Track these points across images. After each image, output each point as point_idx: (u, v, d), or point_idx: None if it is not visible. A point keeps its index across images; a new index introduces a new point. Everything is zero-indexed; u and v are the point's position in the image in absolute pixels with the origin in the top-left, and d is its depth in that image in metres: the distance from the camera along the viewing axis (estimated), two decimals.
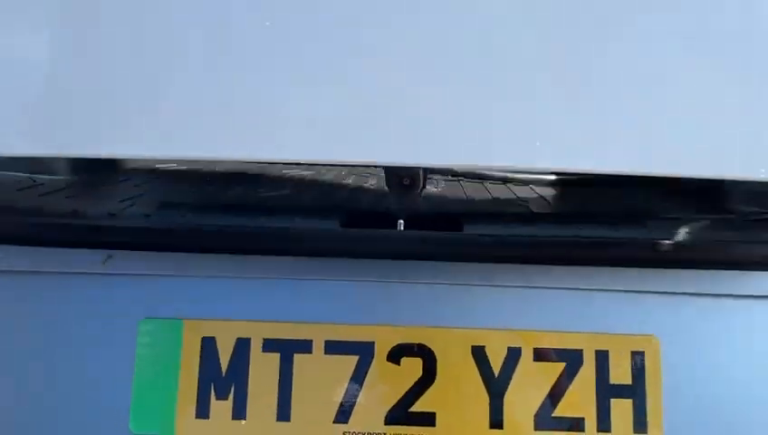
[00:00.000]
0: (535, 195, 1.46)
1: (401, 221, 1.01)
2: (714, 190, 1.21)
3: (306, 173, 1.67)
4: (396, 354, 0.91)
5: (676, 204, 1.29)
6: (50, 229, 0.97)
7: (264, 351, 0.91)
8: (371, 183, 1.58)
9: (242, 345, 0.91)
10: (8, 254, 0.94)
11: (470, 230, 0.99)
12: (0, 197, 1.20)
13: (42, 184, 1.30)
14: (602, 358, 0.91)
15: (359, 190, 1.47)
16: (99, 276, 0.94)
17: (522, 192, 1.49)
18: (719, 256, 0.95)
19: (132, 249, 0.94)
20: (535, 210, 1.31)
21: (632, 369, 0.91)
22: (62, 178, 1.38)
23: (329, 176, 1.65)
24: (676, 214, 1.17)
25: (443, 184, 1.58)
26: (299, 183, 1.57)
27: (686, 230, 1.05)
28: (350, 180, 1.57)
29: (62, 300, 0.94)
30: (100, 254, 0.94)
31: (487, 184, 1.57)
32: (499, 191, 1.50)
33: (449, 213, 1.10)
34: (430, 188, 1.49)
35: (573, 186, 1.51)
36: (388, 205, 1.09)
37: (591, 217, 1.12)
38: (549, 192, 1.49)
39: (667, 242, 0.94)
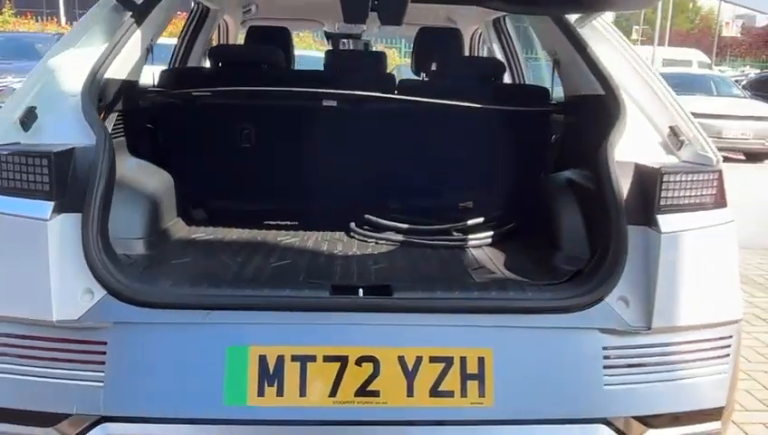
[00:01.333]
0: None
1: (361, 289, 1.90)
2: None
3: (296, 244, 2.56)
4: (359, 361, 1.79)
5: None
6: None
7: (291, 361, 1.78)
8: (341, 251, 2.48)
9: (280, 358, 1.77)
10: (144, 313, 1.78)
11: (400, 296, 1.88)
12: None
13: None
14: (463, 360, 1.80)
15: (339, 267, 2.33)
16: (203, 324, 1.80)
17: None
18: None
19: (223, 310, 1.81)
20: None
21: (478, 365, 1.81)
22: None
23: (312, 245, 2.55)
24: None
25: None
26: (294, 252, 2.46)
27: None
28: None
29: (177, 338, 1.79)
30: (203, 313, 1.79)
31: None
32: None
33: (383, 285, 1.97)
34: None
35: None
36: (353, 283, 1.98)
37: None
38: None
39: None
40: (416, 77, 4.00)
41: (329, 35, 4.99)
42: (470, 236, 2.63)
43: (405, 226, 2.69)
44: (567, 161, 2.67)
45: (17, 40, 16.25)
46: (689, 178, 1.88)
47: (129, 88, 2.52)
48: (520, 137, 2.83)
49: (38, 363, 1.77)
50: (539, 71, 5.49)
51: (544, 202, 2.47)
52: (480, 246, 2.59)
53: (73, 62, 2.11)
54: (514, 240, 2.62)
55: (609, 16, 2.56)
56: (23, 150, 1.79)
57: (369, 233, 2.66)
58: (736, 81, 23.68)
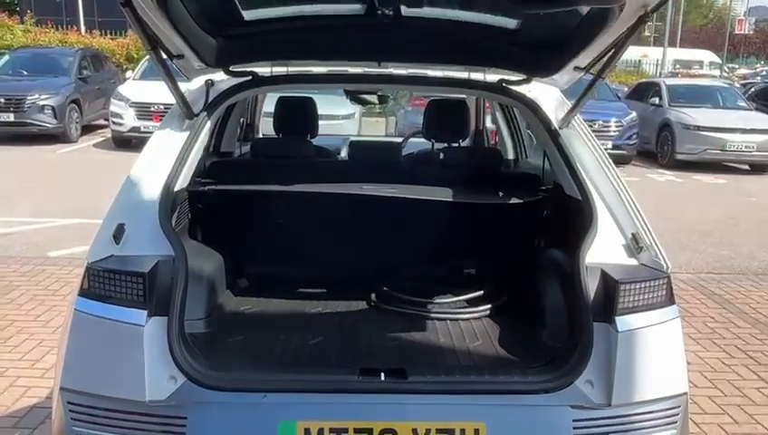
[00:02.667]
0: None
1: (383, 373, 2.41)
2: None
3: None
4: (382, 433, 2.29)
5: None
6: None
7: (329, 433, 2.29)
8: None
9: (320, 431, 2.29)
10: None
11: (413, 379, 2.39)
12: None
13: None
14: (463, 432, 2.31)
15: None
16: (261, 403, 2.31)
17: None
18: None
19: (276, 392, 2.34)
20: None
21: None
22: None
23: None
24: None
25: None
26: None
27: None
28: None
29: (241, 413, 2.32)
30: (260, 394, 2.31)
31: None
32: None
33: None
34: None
35: None
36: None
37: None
38: None
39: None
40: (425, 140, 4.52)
41: (347, 92, 5.51)
42: (471, 309, 3.15)
43: (416, 298, 3.21)
44: (554, 236, 3.18)
45: (42, 56, 16.70)
46: (643, 285, 2.38)
47: (191, 184, 3.04)
48: (514, 217, 3.35)
49: (133, 433, 2.30)
50: None
51: (535, 279, 2.98)
52: (479, 318, 3.11)
53: (151, 178, 2.63)
54: (509, 311, 3.13)
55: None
56: (123, 270, 2.31)
57: (386, 307, 3.18)
58: (745, 84, 23.83)
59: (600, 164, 2.77)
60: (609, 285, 2.39)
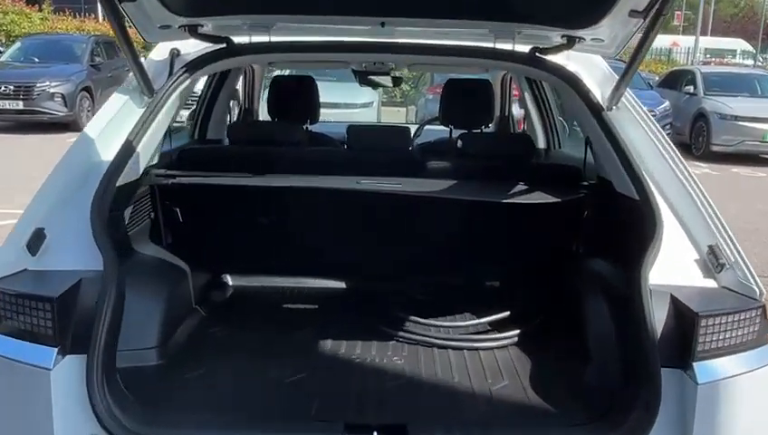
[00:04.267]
0: None
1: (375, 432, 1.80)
2: None
3: None
4: None
5: None
6: None
7: None
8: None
9: None
10: None
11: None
12: None
13: None
14: None
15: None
16: None
17: None
18: None
19: None
20: None
21: None
22: None
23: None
24: None
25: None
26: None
27: None
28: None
29: None
30: None
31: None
32: None
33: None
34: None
35: None
36: None
37: None
38: None
39: None
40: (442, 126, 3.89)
41: (356, 72, 4.89)
42: (495, 335, 2.53)
43: (425, 320, 2.60)
44: (598, 243, 2.55)
45: (54, 42, 16.46)
46: (731, 319, 1.75)
47: (146, 175, 2.46)
48: (548, 218, 2.72)
49: None
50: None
51: (573, 298, 2.35)
52: (505, 346, 2.49)
53: (86, 168, 2.05)
54: (543, 338, 2.51)
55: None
56: (27, 293, 1.73)
57: (388, 330, 2.57)
58: None
59: (662, 154, 2.14)
60: (685, 318, 1.77)
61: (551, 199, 2.61)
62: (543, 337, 2.54)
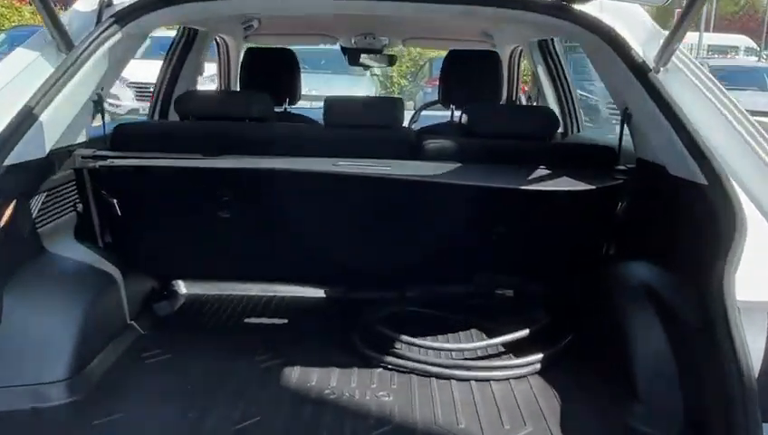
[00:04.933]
0: None
1: None
2: None
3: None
4: None
5: None
6: None
7: None
8: None
9: None
10: None
11: None
12: None
13: None
14: None
15: None
16: None
17: None
18: None
19: None
20: None
21: None
22: None
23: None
24: None
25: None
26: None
27: None
28: None
29: None
30: None
31: None
32: None
33: None
34: None
35: None
36: None
37: None
38: None
39: None
40: (443, 110, 3.37)
41: (345, 50, 4.36)
42: (511, 362, 2.00)
43: (422, 341, 2.06)
44: (641, 243, 2.02)
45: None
46: None
47: (67, 155, 1.94)
48: (575, 210, 2.19)
49: None
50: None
51: (611, 314, 1.82)
52: (524, 375, 1.96)
53: None
54: (571, 365, 1.98)
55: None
56: None
57: (373, 355, 2.04)
58: None
59: (732, 125, 1.62)
60: None
61: (582, 186, 2.07)
62: (573, 364, 2.01)
